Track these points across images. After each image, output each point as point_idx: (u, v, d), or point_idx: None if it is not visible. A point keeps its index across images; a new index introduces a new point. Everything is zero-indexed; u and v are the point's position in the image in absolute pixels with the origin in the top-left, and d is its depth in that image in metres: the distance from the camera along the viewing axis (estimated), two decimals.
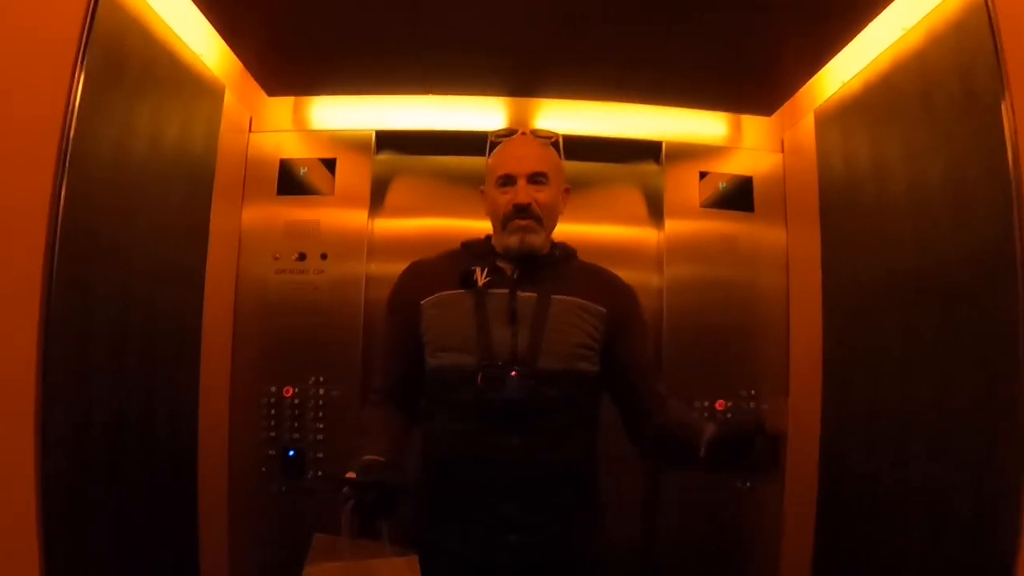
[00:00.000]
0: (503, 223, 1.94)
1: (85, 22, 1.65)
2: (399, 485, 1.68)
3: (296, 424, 2.78)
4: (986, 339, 1.75)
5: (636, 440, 2.04)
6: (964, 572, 1.79)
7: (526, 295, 1.90)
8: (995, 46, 1.64)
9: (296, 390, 2.79)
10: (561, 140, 2.08)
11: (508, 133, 2.06)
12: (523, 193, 1.91)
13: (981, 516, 1.73)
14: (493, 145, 2.05)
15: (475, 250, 2.01)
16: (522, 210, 1.91)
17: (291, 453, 2.76)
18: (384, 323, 2.06)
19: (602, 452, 2.02)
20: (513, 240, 1.92)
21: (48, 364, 1.61)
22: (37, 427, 1.57)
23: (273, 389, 2.79)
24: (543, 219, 1.93)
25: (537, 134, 2.05)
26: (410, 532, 1.75)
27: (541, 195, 1.93)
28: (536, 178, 1.93)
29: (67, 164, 1.62)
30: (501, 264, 1.95)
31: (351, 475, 1.65)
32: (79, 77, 1.64)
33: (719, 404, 2.82)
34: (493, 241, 2.01)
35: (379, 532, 1.65)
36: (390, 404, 1.97)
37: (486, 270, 1.92)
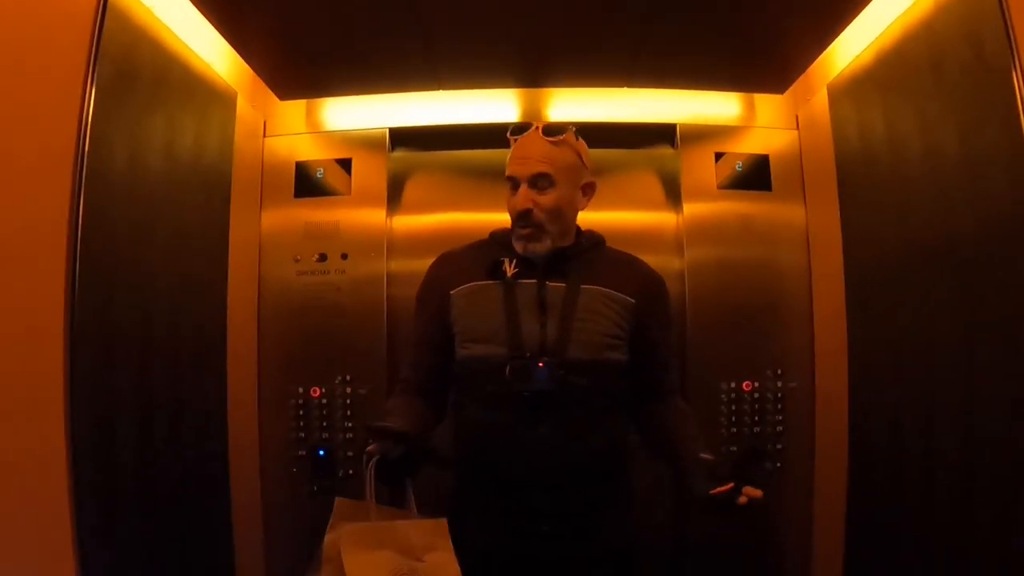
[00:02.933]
0: (512, 226, 1.95)
1: (93, 38, 1.67)
2: (424, 444, 1.70)
3: (325, 424, 2.81)
4: (1009, 307, 1.73)
5: (636, 421, 2.04)
6: (993, 549, 1.78)
7: (555, 285, 1.90)
8: (1003, 13, 1.61)
9: (323, 390, 2.81)
10: (574, 131, 2.00)
11: (521, 128, 2.00)
12: (522, 199, 1.90)
13: (1011, 490, 1.72)
14: (512, 141, 2.01)
15: (503, 240, 2.01)
16: (522, 217, 1.90)
17: (321, 453, 2.79)
18: (414, 315, 2.06)
19: (634, 440, 2.04)
20: (518, 247, 1.93)
21: (74, 377, 1.63)
22: (67, 437, 1.60)
23: (300, 390, 2.81)
24: (545, 224, 1.90)
25: (548, 129, 1.97)
26: (436, 509, 1.75)
27: (543, 199, 1.90)
28: (537, 181, 1.90)
29: (83, 178, 1.64)
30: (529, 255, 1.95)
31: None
32: (90, 92, 1.67)
33: (746, 385, 2.80)
34: None
35: (404, 492, 1.66)
36: (416, 394, 1.98)
37: (515, 261, 1.93)
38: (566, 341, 1.84)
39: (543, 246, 1.92)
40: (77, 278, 1.64)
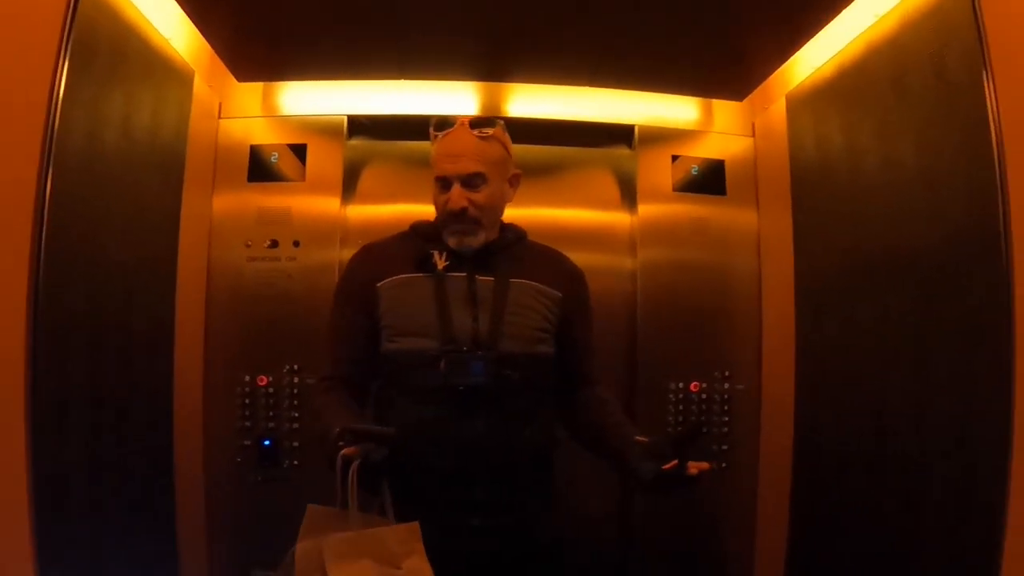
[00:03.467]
0: (442, 224, 1.93)
1: (68, 8, 1.60)
2: (402, 443, 1.63)
3: (271, 413, 2.76)
4: (958, 317, 1.80)
5: (562, 413, 2.05)
6: (942, 551, 1.83)
7: (484, 279, 1.90)
8: (978, 30, 1.66)
9: (270, 379, 2.77)
10: (503, 127, 1.98)
11: (446, 124, 1.96)
12: (456, 199, 1.88)
13: (958, 494, 1.77)
14: (433, 135, 1.98)
15: (427, 233, 1.99)
16: (457, 217, 1.89)
17: (266, 443, 2.74)
18: (335, 308, 2.01)
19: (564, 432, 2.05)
20: (452, 242, 1.92)
21: (34, 357, 1.59)
22: (27, 421, 1.56)
23: (247, 378, 2.76)
24: (480, 220, 1.91)
25: (477, 123, 1.95)
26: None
27: (477, 196, 1.89)
28: (471, 180, 1.89)
29: (52, 156, 1.59)
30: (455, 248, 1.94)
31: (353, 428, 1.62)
32: (63, 64, 1.61)
33: (693, 386, 2.85)
34: None
35: (381, 496, 1.63)
36: (344, 390, 1.94)
37: (444, 254, 1.91)
38: (499, 335, 1.85)
39: (477, 240, 1.92)
40: (43, 257, 1.59)
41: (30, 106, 1.59)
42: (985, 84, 1.63)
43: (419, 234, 2.01)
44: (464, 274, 1.90)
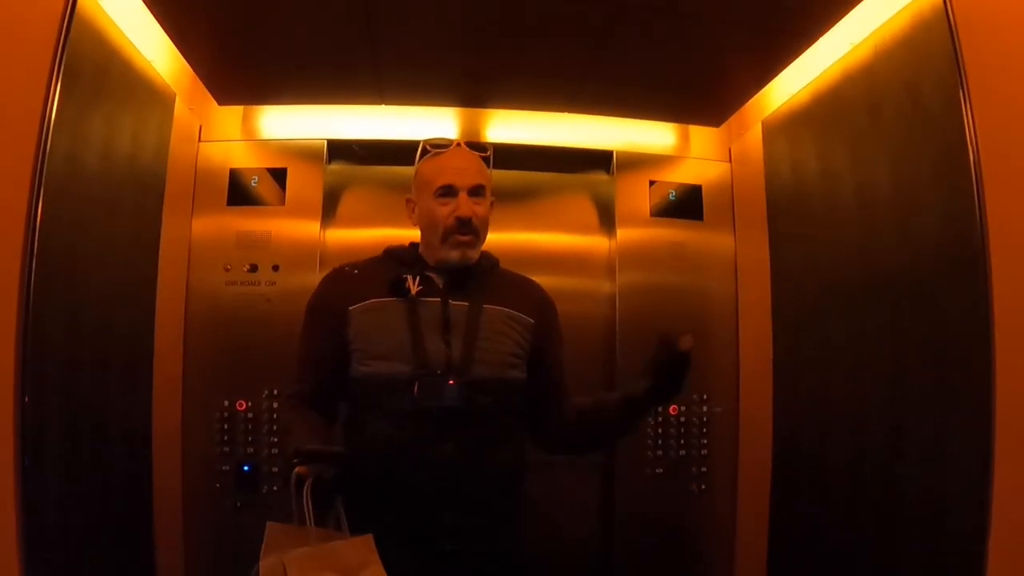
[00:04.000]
0: (443, 236, 1.92)
1: (60, 31, 1.61)
2: (351, 463, 1.68)
3: (250, 439, 2.74)
4: (931, 337, 1.84)
5: (544, 443, 2.07)
6: (921, 569, 1.86)
7: (457, 304, 1.91)
8: (955, 54, 1.70)
9: (249, 404, 2.75)
10: (492, 153, 2.04)
11: (444, 144, 2.01)
12: (466, 207, 1.90)
13: (936, 512, 1.79)
14: (425, 152, 2.01)
15: (402, 257, 2.00)
16: (464, 224, 1.90)
17: (246, 468, 2.72)
18: (305, 328, 2.01)
19: (545, 457, 2.06)
20: (454, 255, 1.92)
21: (23, 376, 1.59)
22: (16, 442, 1.54)
23: (226, 403, 2.75)
24: (480, 233, 1.94)
25: (476, 146, 2.02)
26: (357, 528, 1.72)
27: (480, 208, 1.93)
28: (476, 191, 1.93)
29: (43, 175, 1.58)
30: (430, 273, 1.95)
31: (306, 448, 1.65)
32: (55, 86, 1.60)
33: (672, 409, 2.86)
34: (422, 251, 2.00)
35: (335, 511, 1.64)
36: (310, 408, 1.94)
37: (418, 279, 1.92)
38: (471, 360, 1.85)
39: (476, 253, 1.95)
40: (33, 277, 1.58)
41: (21, 129, 1.59)
42: (963, 108, 1.67)
43: (393, 258, 2.02)
44: (437, 299, 1.90)
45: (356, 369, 1.90)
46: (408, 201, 2.04)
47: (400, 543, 1.77)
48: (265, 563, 1.56)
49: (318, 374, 1.96)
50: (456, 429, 1.81)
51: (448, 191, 1.92)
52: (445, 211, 1.91)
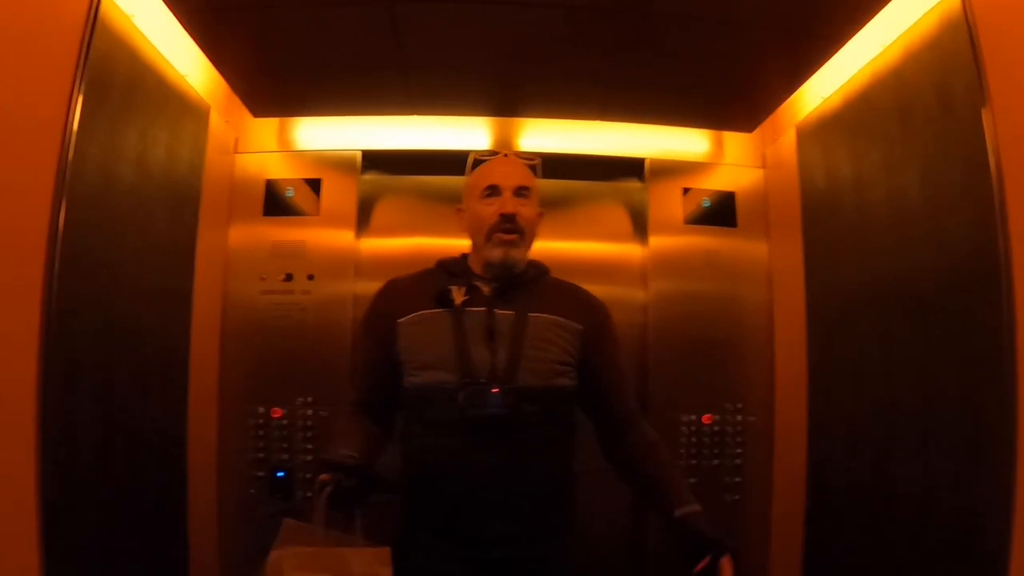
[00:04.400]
0: (487, 234, 1.94)
1: (82, 45, 1.65)
2: (378, 475, 1.73)
3: (285, 445, 2.77)
4: (966, 346, 1.79)
5: (609, 456, 2.05)
6: None
7: (503, 313, 1.91)
8: (975, 59, 1.68)
9: (284, 411, 2.79)
10: (539, 164, 2.10)
11: (492, 153, 2.08)
12: (510, 203, 1.92)
13: (967, 522, 1.76)
14: (476, 163, 2.07)
15: (451, 268, 2.03)
16: (508, 220, 1.92)
17: (280, 474, 2.75)
18: (359, 340, 2.06)
19: (591, 465, 2.03)
20: (497, 253, 1.93)
21: (45, 387, 1.61)
22: (37, 451, 1.57)
23: (261, 410, 2.78)
24: (525, 233, 1.95)
25: (519, 156, 2.07)
26: (384, 538, 1.74)
27: (525, 209, 1.95)
28: (522, 192, 1.95)
29: (65, 187, 1.62)
30: (477, 283, 1.96)
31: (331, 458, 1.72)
32: (77, 99, 1.65)
33: (706, 418, 2.84)
34: (470, 260, 2.02)
35: (352, 521, 1.68)
36: (365, 416, 1.98)
37: (464, 289, 1.93)
38: (516, 368, 1.85)
39: (520, 253, 1.95)
40: (56, 286, 1.61)
41: (44, 140, 1.63)
42: (984, 115, 1.64)
43: (443, 269, 2.04)
44: (483, 309, 1.91)
45: (406, 380, 1.92)
46: (458, 211, 2.08)
47: (449, 551, 1.81)
48: (273, 556, 1.61)
49: (371, 385, 2.00)
50: (501, 437, 1.82)
51: (493, 191, 1.95)
52: (490, 210, 1.94)
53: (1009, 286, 1.58)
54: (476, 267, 1.99)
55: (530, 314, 1.92)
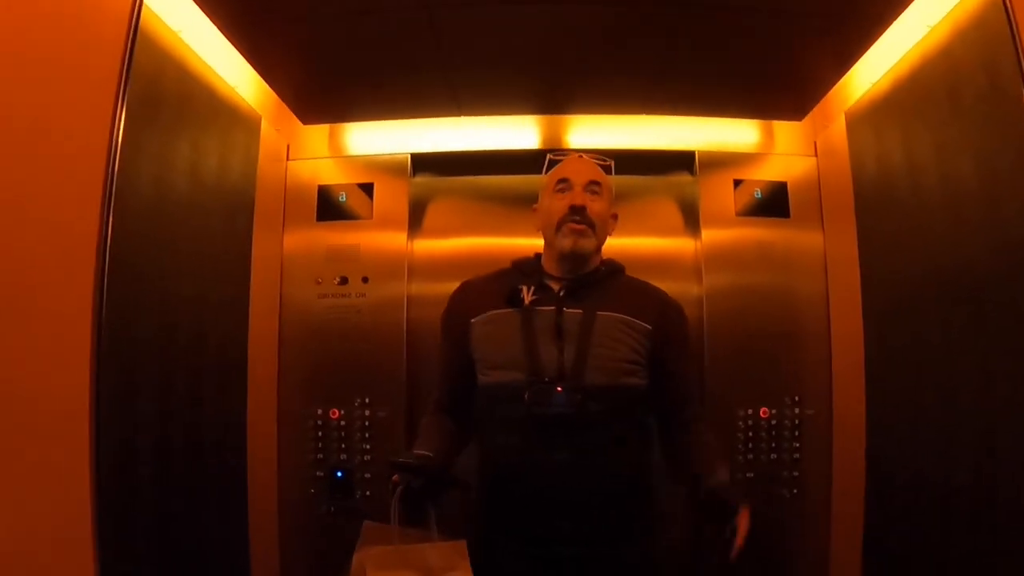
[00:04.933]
0: (557, 225, 1.98)
1: (124, 60, 1.71)
2: (447, 473, 1.80)
3: (343, 445, 2.83)
4: (1021, 335, 1.73)
5: (663, 453, 2.07)
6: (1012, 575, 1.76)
7: (572, 311, 1.93)
8: (1014, 40, 1.62)
9: (342, 412, 2.84)
10: (613, 165, 2.14)
11: (566, 153, 2.14)
12: (579, 196, 1.96)
13: None
14: (552, 163, 2.13)
15: (524, 268, 2.07)
16: (577, 211, 1.95)
17: (339, 474, 2.81)
18: (440, 340, 2.13)
19: (657, 464, 2.05)
20: (567, 243, 1.96)
21: (99, 394, 1.67)
22: (92, 455, 1.63)
23: (320, 411, 2.85)
24: (596, 227, 1.98)
25: (592, 156, 2.12)
26: (459, 532, 1.79)
27: (595, 204, 1.98)
28: (592, 187, 1.99)
29: (112, 198, 1.68)
30: (548, 282, 2.00)
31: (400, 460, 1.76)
32: (120, 114, 1.71)
33: (763, 412, 2.80)
34: (543, 259, 2.06)
35: (427, 518, 1.73)
36: (446, 414, 2.05)
37: (532, 288, 1.96)
38: (583, 366, 1.87)
39: (591, 244, 1.98)
40: (105, 296, 1.68)
41: (89, 156, 1.69)
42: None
43: (516, 269, 2.09)
44: (552, 308, 1.94)
45: (479, 379, 1.98)
46: (533, 209, 2.15)
47: (518, 549, 1.84)
48: (356, 558, 1.69)
49: (450, 383, 2.08)
50: (569, 436, 1.84)
51: (565, 184, 2.01)
52: (561, 203, 1.99)
53: None
54: (548, 266, 2.04)
55: (598, 312, 1.94)
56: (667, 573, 2.08)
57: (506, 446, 1.89)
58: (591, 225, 1.96)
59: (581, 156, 2.11)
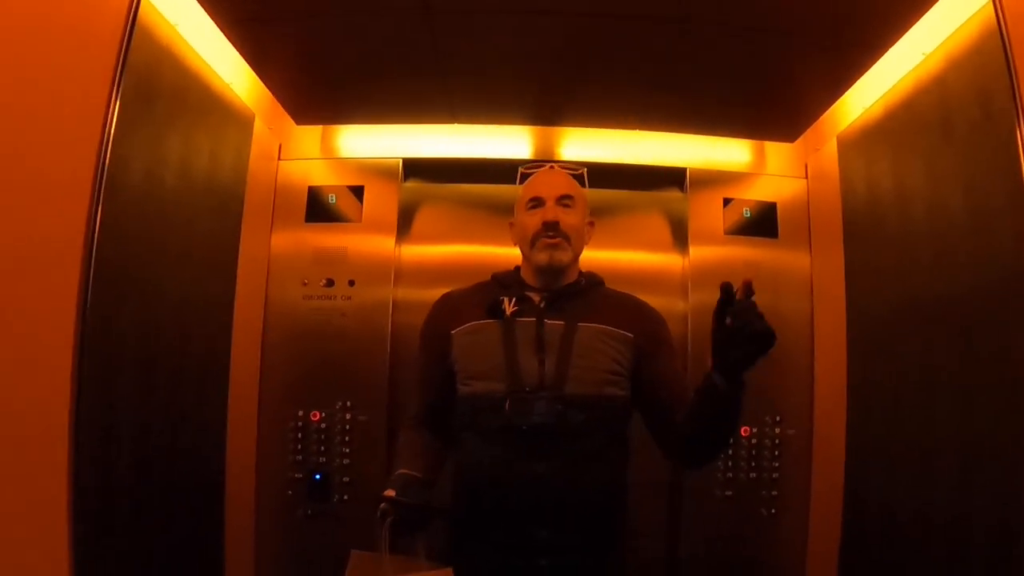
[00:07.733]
0: (532, 242, 1.98)
1: (120, 51, 1.70)
2: (435, 504, 1.79)
3: (323, 448, 2.81)
4: (1008, 363, 1.74)
5: (675, 459, 2.08)
6: None
7: (553, 323, 1.93)
8: (1009, 72, 1.64)
9: (323, 414, 2.83)
10: (586, 173, 2.14)
11: (538, 165, 2.14)
12: (551, 211, 1.97)
13: (1006, 545, 1.71)
14: (524, 176, 2.13)
15: (504, 281, 2.07)
16: (551, 227, 1.95)
17: (317, 477, 2.79)
18: (417, 352, 2.11)
19: (635, 478, 2.03)
20: (542, 257, 1.96)
21: (81, 387, 1.65)
22: (70, 448, 1.61)
23: (300, 413, 2.83)
24: (570, 239, 1.98)
25: (564, 166, 2.12)
26: (445, 555, 1.81)
27: (568, 216, 1.98)
28: (564, 201, 1.99)
29: (101, 193, 1.67)
30: (529, 294, 2.00)
31: (390, 493, 1.75)
32: (114, 105, 1.69)
33: (744, 431, 2.80)
34: (522, 272, 2.06)
35: (415, 546, 1.74)
36: (424, 428, 2.04)
37: (514, 300, 1.97)
38: (564, 377, 1.87)
39: (567, 256, 1.98)
40: (89, 293, 1.66)
41: (80, 147, 1.67)
42: (1017, 124, 1.60)
43: (498, 282, 2.09)
44: (533, 319, 1.94)
45: (460, 390, 1.97)
46: (510, 224, 2.15)
47: (498, 558, 1.83)
48: None
49: (429, 396, 2.07)
50: (549, 446, 1.83)
51: (537, 202, 2.01)
52: (534, 219, 1.99)
53: None
54: (528, 278, 2.04)
55: (580, 323, 1.94)
56: None
57: (486, 456, 1.88)
58: (566, 238, 1.97)
59: (552, 167, 2.12)
